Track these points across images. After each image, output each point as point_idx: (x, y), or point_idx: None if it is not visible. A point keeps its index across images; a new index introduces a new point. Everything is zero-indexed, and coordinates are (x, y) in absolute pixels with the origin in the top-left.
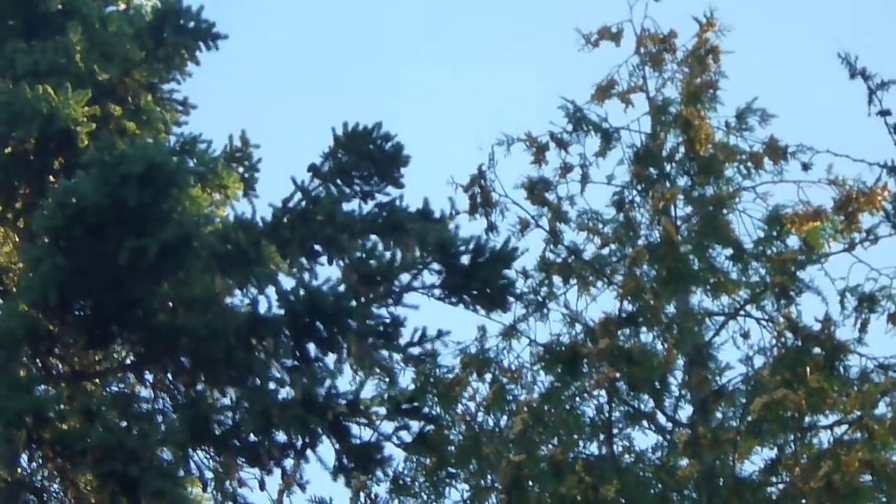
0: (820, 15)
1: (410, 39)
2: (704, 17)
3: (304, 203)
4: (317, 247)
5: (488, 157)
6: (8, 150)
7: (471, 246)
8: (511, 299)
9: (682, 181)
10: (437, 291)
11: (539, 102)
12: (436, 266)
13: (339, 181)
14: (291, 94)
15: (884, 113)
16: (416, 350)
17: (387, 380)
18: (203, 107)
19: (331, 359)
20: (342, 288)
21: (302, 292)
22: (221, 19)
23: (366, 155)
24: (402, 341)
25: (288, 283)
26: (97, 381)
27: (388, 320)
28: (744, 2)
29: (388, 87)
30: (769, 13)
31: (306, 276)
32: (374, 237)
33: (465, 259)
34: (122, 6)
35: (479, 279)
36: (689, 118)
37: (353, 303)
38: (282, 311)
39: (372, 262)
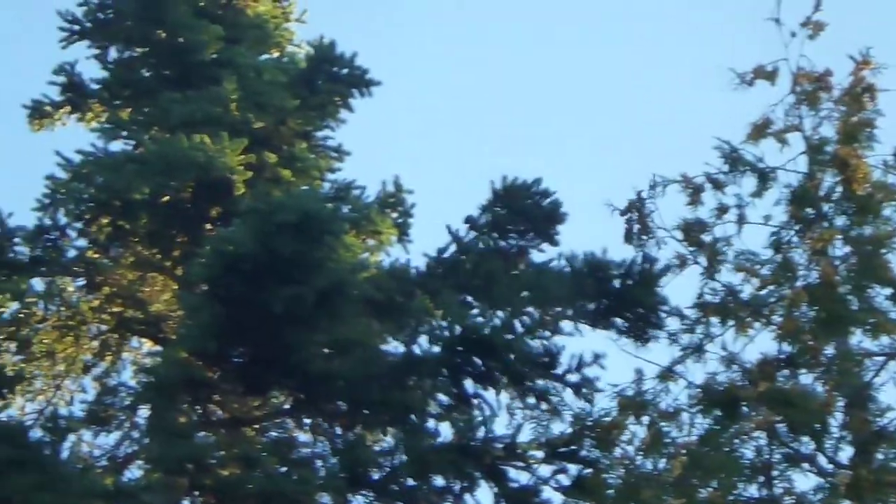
0: None
1: (560, 82)
2: (860, 56)
3: (458, 254)
4: (469, 298)
5: (648, 187)
6: (165, 199)
7: (622, 269)
8: (663, 325)
9: (840, 221)
10: (588, 319)
11: (694, 143)
12: (589, 291)
13: (495, 234)
14: (444, 140)
15: None
16: (573, 378)
17: (546, 417)
18: (357, 153)
19: (489, 394)
20: (497, 322)
21: (457, 328)
22: (375, 65)
23: (522, 210)
24: (560, 370)
25: (442, 322)
26: (256, 427)
27: (543, 351)
28: None
29: (542, 132)
30: None
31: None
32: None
33: (616, 282)
34: (276, 54)
35: (630, 301)
36: (846, 157)
37: (509, 336)
38: (437, 350)
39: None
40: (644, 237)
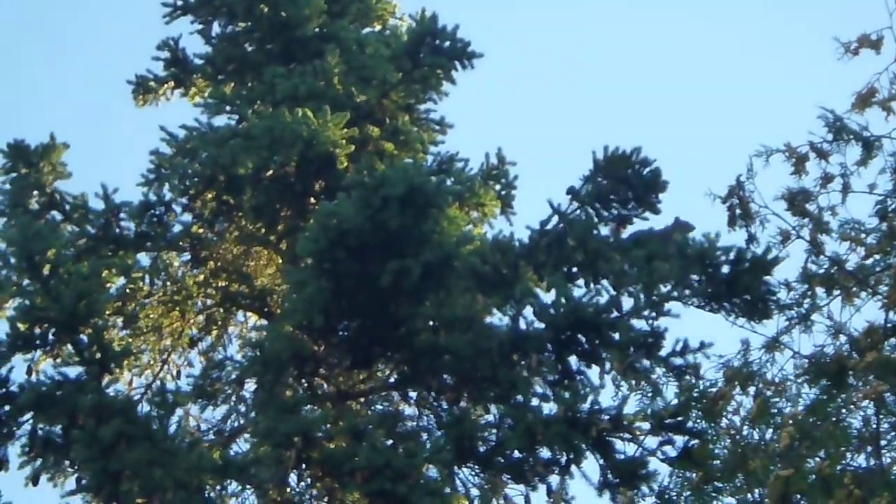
0: None
1: (664, 52)
2: None
3: (561, 226)
4: (573, 269)
5: (746, 168)
6: (269, 173)
7: (731, 255)
8: (772, 308)
9: None
10: (697, 300)
11: (799, 112)
12: (696, 276)
13: (597, 205)
14: (547, 111)
15: None
16: (678, 361)
17: (650, 392)
18: (459, 126)
19: (594, 372)
20: (603, 300)
21: (563, 306)
22: (476, 37)
23: (624, 179)
24: (664, 352)
25: (547, 299)
26: (362, 400)
27: (649, 331)
28: None
29: (642, 104)
30: None
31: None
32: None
33: (725, 268)
34: (378, 28)
35: (739, 288)
36: None
37: (615, 314)
38: (543, 326)
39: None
40: (747, 221)
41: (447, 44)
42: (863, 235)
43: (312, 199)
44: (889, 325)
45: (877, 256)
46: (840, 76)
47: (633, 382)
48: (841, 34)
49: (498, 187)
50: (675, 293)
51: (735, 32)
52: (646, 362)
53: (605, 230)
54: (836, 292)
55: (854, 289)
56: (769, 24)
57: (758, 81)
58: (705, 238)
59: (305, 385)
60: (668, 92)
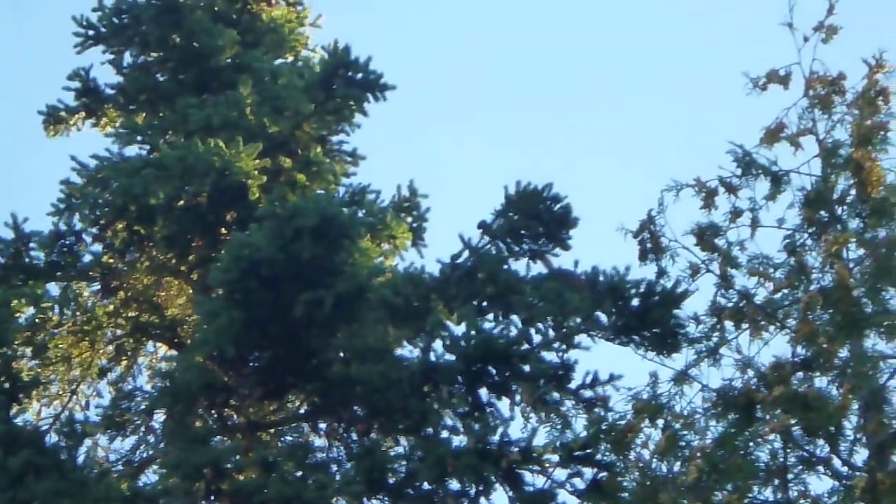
0: None
1: (577, 89)
2: (874, 59)
3: (471, 261)
4: (483, 303)
5: (657, 202)
6: (181, 203)
7: (641, 289)
8: (681, 341)
9: (854, 224)
10: (607, 334)
11: (707, 147)
12: (607, 309)
13: (508, 239)
14: (459, 144)
15: None
16: (587, 393)
17: (560, 425)
18: (371, 157)
19: (504, 404)
20: (513, 333)
21: (473, 338)
22: (389, 69)
23: (535, 215)
24: (574, 385)
25: (458, 331)
26: (272, 431)
27: (559, 364)
28: None
29: (554, 136)
30: None
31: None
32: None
33: (635, 301)
34: (291, 59)
35: (649, 321)
36: (860, 161)
37: (525, 347)
38: (453, 358)
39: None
40: (657, 255)
41: (360, 75)
42: (771, 270)
43: (224, 230)
44: (797, 359)
45: (785, 291)
46: (750, 111)
47: (543, 415)
48: (750, 69)
49: (409, 219)
50: (585, 326)
51: (645, 66)
52: (556, 395)
53: (516, 265)
54: (745, 326)
55: (762, 323)
56: (680, 58)
57: (667, 115)
58: (615, 271)
59: (216, 416)
60: (580, 125)
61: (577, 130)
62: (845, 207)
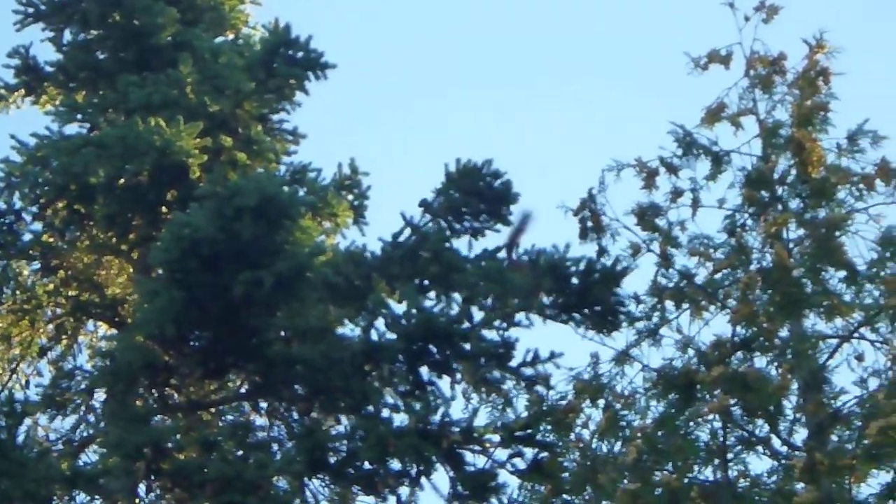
0: None
1: (517, 67)
2: (814, 39)
3: (413, 239)
4: (425, 282)
5: (598, 181)
6: (122, 182)
7: (581, 267)
8: (622, 320)
9: (794, 204)
10: (548, 312)
11: (648, 127)
12: (548, 288)
13: (449, 217)
14: (399, 121)
15: None
16: (528, 371)
17: (501, 403)
18: (312, 136)
19: (445, 383)
20: (454, 311)
21: (414, 317)
22: (330, 48)
23: (476, 192)
24: (515, 363)
25: (399, 310)
26: (213, 411)
27: (499, 342)
28: (854, 23)
29: (496, 114)
30: (879, 34)
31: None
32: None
33: (575, 280)
34: (232, 37)
35: (590, 299)
36: (801, 141)
37: (466, 325)
38: (394, 337)
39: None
40: (598, 234)
41: (300, 54)
42: (711, 250)
43: (165, 209)
44: (737, 339)
45: (725, 271)
46: (692, 91)
47: (485, 394)
48: (692, 49)
49: (351, 198)
50: (526, 305)
51: (587, 45)
52: (497, 373)
53: (458, 243)
54: (685, 306)
55: (703, 302)
56: (621, 37)
57: (609, 95)
58: (556, 250)
59: (156, 395)
60: (521, 104)
61: (518, 109)
62: (786, 188)
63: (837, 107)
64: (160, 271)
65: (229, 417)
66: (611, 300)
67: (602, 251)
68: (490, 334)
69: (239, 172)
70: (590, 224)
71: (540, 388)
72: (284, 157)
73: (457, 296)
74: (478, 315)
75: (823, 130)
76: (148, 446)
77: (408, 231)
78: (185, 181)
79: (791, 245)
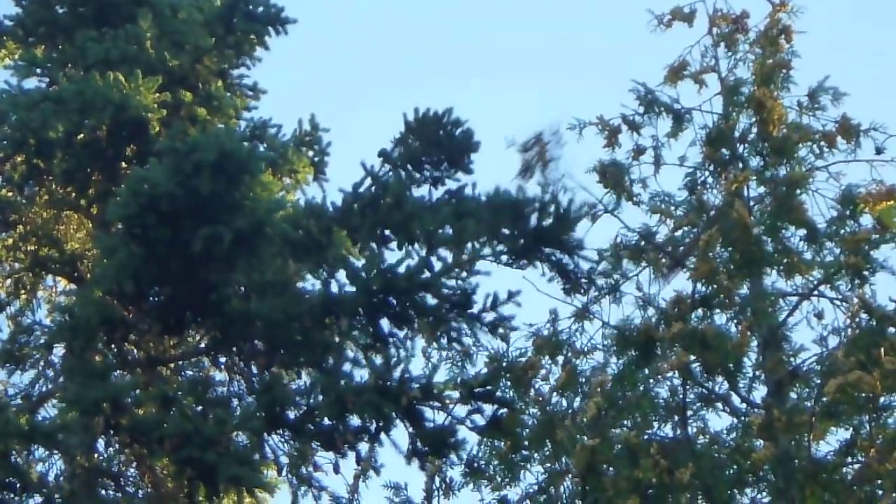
0: None
1: (479, 22)
2: None
3: (374, 189)
4: (387, 232)
5: (551, 129)
6: (80, 137)
7: (537, 207)
8: (580, 275)
9: (755, 162)
10: (507, 258)
11: (611, 85)
12: (506, 229)
13: (409, 167)
14: (362, 78)
15: None
16: (489, 316)
17: (461, 359)
18: (273, 92)
19: (405, 339)
20: (413, 262)
21: (374, 269)
22: (290, 3)
23: (436, 141)
24: (476, 310)
25: (359, 263)
26: (172, 366)
27: (459, 290)
28: None
29: (458, 71)
30: None
31: (376, 256)
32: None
33: (533, 221)
34: None
35: (548, 240)
36: (762, 99)
37: (426, 275)
38: (354, 290)
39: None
40: (544, 174)
41: (260, 9)
42: (672, 208)
43: (124, 164)
44: (696, 296)
45: (685, 228)
46: (653, 48)
47: (445, 347)
48: (655, 6)
49: (311, 154)
50: (486, 250)
51: (551, 4)
52: (457, 325)
53: (418, 191)
54: (645, 264)
55: (663, 260)
56: None
57: (572, 52)
58: (514, 191)
59: (115, 351)
60: (483, 58)
61: (480, 63)
62: (746, 146)
63: (799, 65)
64: (119, 227)
65: (188, 373)
66: (568, 242)
67: (547, 187)
68: (450, 283)
69: (198, 128)
70: (538, 164)
71: (500, 339)
72: (244, 113)
73: (417, 246)
74: (437, 264)
75: (785, 88)
76: (106, 402)
77: (368, 181)
78: (145, 136)
79: (751, 203)
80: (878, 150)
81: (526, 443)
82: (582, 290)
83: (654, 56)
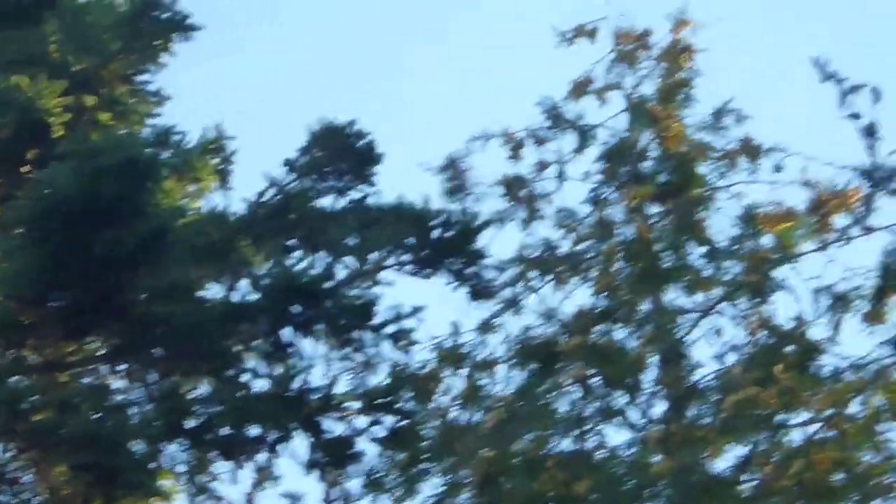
0: (795, 17)
1: (389, 33)
2: (678, 15)
3: (278, 198)
4: (290, 242)
5: (465, 146)
6: None
7: (443, 219)
8: (483, 283)
9: (657, 179)
10: (411, 268)
11: (516, 99)
12: (411, 240)
13: (314, 176)
14: (269, 88)
15: (854, 116)
16: (391, 328)
17: (362, 371)
18: (178, 98)
19: (306, 348)
20: (317, 271)
21: (277, 276)
22: (199, 11)
23: (339, 152)
24: (378, 321)
25: (263, 270)
26: (71, 372)
27: (362, 300)
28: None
29: (368, 83)
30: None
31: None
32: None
33: (437, 232)
34: None
35: (452, 250)
36: (662, 116)
37: (329, 283)
38: (257, 297)
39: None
40: (461, 193)
41: (166, 15)
42: (575, 223)
43: (26, 168)
44: (598, 310)
45: (589, 242)
46: (564, 64)
47: (346, 355)
48: (562, 22)
49: (216, 161)
50: (390, 260)
51: (460, 14)
52: (359, 334)
53: (323, 201)
54: (549, 276)
55: (566, 273)
56: (490, 10)
57: (478, 68)
58: (416, 203)
59: (13, 355)
60: (389, 69)
61: (386, 75)
62: (648, 162)
63: (703, 82)
64: (19, 230)
65: (87, 379)
66: (472, 253)
67: (467, 210)
68: (353, 292)
69: (102, 133)
70: (454, 183)
71: (401, 351)
72: (149, 119)
73: (322, 254)
74: (341, 273)
75: (686, 106)
76: (3, 406)
77: (272, 191)
78: (48, 140)
79: (653, 219)
80: (777, 169)
81: (426, 455)
82: (486, 298)
83: (565, 69)
